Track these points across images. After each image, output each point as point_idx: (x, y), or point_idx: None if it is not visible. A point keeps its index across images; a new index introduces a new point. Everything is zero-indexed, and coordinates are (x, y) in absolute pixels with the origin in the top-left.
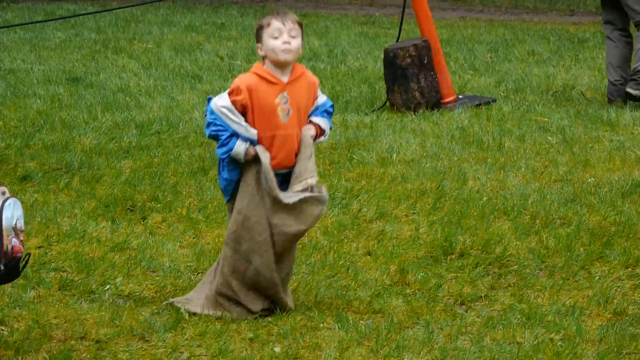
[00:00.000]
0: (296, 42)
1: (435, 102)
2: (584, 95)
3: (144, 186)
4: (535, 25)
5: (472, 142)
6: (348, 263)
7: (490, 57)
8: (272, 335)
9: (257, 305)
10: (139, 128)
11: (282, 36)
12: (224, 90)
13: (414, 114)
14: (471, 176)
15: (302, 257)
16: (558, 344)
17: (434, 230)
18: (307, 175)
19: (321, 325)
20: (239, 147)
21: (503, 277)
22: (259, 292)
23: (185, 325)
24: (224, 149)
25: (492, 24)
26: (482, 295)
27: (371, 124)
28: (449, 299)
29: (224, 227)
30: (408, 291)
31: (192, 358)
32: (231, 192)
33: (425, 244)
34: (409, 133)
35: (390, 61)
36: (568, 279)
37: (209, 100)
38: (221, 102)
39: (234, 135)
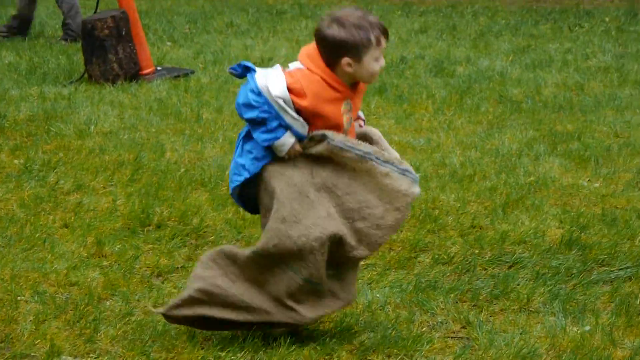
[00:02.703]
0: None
1: (133, 74)
2: None
3: None
4: None
5: (170, 114)
6: (45, 236)
7: (189, 29)
8: None
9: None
10: None
11: (381, 58)
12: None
13: (113, 86)
14: (169, 148)
15: None
16: None
17: (131, 202)
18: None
19: (18, 298)
20: (288, 139)
21: (200, 248)
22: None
23: None
24: (269, 136)
25: None
26: (179, 266)
27: (69, 96)
28: (146, 270)
29: None
30: (105, 263)
31: None
32: (239, 185)
33: (123, 215)
34: (107, 105)
35: (88, 32)
36: None
37: (248, 69)
38: (277, 91)
39: (283, 125)
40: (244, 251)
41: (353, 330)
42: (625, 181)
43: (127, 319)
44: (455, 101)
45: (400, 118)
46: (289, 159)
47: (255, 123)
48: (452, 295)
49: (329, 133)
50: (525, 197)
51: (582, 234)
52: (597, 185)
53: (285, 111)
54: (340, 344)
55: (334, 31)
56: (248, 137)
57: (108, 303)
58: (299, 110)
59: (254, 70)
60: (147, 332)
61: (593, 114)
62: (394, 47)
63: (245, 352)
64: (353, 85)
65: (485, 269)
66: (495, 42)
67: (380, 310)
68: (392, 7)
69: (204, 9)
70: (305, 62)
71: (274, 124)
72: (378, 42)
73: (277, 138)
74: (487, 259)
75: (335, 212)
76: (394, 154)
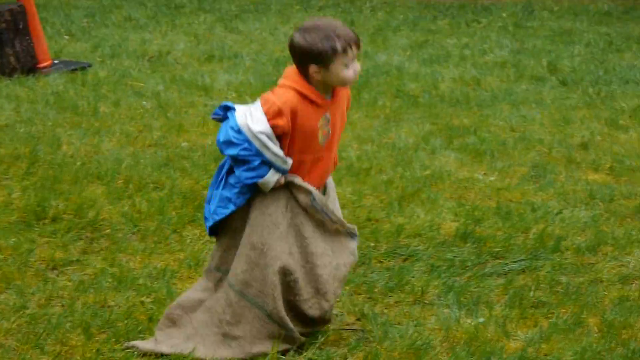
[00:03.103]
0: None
1: (31, 67)
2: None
3: None
4: None
5: (67, 107)
6: None
7: (87, 23)
8: None
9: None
10: None
11: (353, 64)
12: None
13: (9, 79)
14: (65, 141)
15: None
16: (149, 306)
17: (27, 196)
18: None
19: None
20: (272, 177)
21: (95, 241)
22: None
23: None
24: (252, 174)
25: None
26: (74, 259)
27: None
28: (41, 263)
29: None
30: (0, 256)
31: None
32: (220, 219)
33: (18, 209)
34: (3, 98)
35: None
36: (160, 243)
37: (228, 108)
38: (258, 127)
39: (266, 162)
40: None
41: None
42: (520, 175)
43: (22, 312)
44: (353, 96)
45: None
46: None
47: (237, 161)
48: (347, 287)
49: (314, 191)
50: (421, 190)
51: (477, 227)
52: (492, 178)
53: (267, 148)
54: None
55: (301, 40)
56: (232, 169)
57: (2, 296)
58: (280, 133)
59: (234, 109)
60: (41, 326)
61: (489, 108)
62: None
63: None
64: (332, 96)
65: (381, 262)
66: (393, 37)
67: None
68: (290, 1)
69: (103, 3)
70: (281, 81)
71: (257, 162)
72: (344, 50)
73: (261, 177)
74: (382, 251)
75: (297, 252)
76: (339, 211)
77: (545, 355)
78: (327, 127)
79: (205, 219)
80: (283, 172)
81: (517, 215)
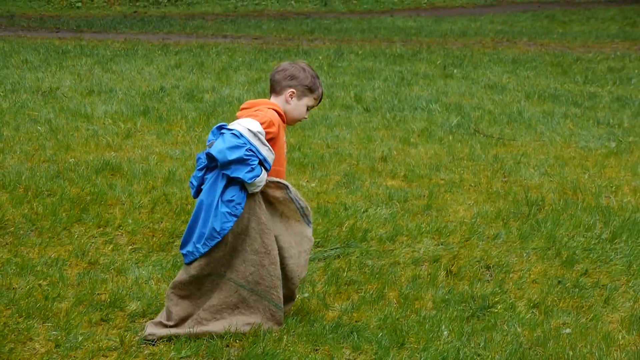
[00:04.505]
0: None
1: None
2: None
3: None
4: (28, 40)
5: None
6: None
7: None
8: None
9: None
10: None
11: (308, 111)
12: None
13: None
14: None
15: None
16: (45, 288)
17: None
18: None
19: None
20: (264, 176)
21: (1, 237)
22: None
23: None
24: (253, 174)
25: None
26: None
27: None
28: None
29: None
30: None
31: None
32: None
33: None
34: None
35: None
36: (53, 238)
37: (223, 127)
38: (255, 127)
39: (260, 161)
40: (226, 279)
41: (125, 300)
42: (334, 182)
43: None
44: (203, 121)
45: (161, 134)
46: (252, 196)
47: (240, 163)
48: None
49: (288, 184)
50: None
51: None
52: (313, 185)
53: (263, 144)
54: (114, 311)
55: (296, 68)
56: (223, 190)
57: None
58: (269, 139)
59: (226, 125)
60: None
61: (310, 130)
62: (155, 79)
63: (38, 319)
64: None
65: None
66: (234, 75)
67: (145, 284)
68: (153, 47)
69: (4, 49)
70: (255, 111)
71: (256, 161)
72: (317, 98)
73: (258, 175)
74: None
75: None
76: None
77: (356, 322)
78: (285, 146)
79: (209, 238)
80: (268, 169)
81: (333, 213)
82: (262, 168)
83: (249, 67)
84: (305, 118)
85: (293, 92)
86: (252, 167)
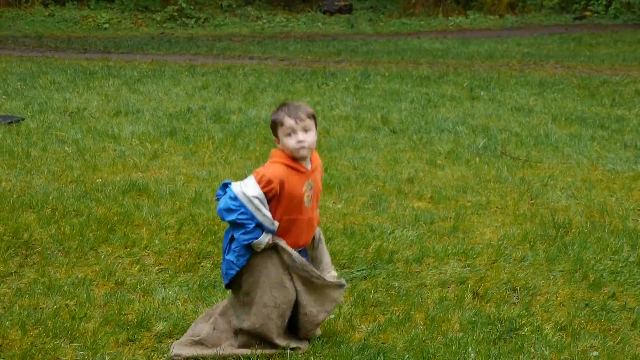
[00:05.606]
0: (311, 137)
1: None
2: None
3: None
4: (55, 61)
5: (4, 152)
6: None
7: (21, 85)
8: None
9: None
10: None
11: (295, 135)
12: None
13: None
14: (4, 178)
15: None
16: (72, 307)
17: None
18: (331, 268)
19: None
20: (264, 239)
21: (29, 257)
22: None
23: None
24: (249, 237)
25: (22, 59)
26: (12, 271)
27: None
28: None
29: None
30: None
31: None
32: (232, 277)
33: None
34: None
35: None
36: (80, 258)
37: (227, 184)
38: (252, 191)
39: (259, 225)
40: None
41: (151, 320)
42: (361, 203)
43: None
44: (230, 142)
45: (187, 155)
46: (264, 250)
47: (235, 225)
48: (227, 292)
49: (294, 253)
50: None
51: (329, 244)
52: (339, 206)
53: (259, 210)
54: (140, 331)
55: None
56: (233, 237)
57: None
58: (272, 196)
59: (230, 183)
60: None
61: (336, 151)
62: (182, 100)
63: (65, 339)
64: (312, 165)
65: None
66: (261, 96)
67: (172, 304)
68: (180, 68)
69: (32, 70)
70: (270, 159)
71: (252, 225)
72: (281, 123)
73: (255, 238)
74: None
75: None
76: (327, 258)
77: (383, 343)
78: (310, 191)
79: (223, 276)
80: (272, 232)
81: (360, 234)
82: (263, 232)
83: (276, 89)
84: (301, 141)
85: (275, 139)
86: (246, 231)
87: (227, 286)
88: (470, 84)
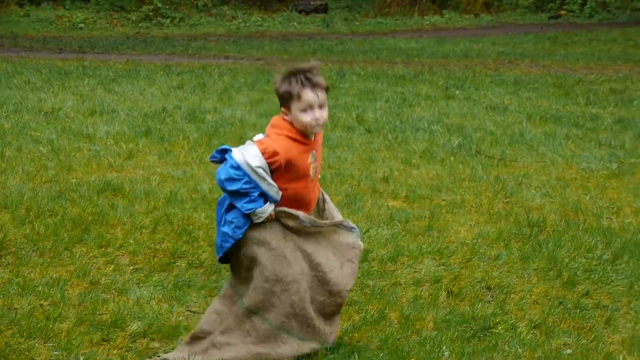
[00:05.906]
0: (326, 113)
1: None
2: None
3: None
4: (30, 61)
5: None
6: None
7: None
8: None
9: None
10: None
11: (312, 112)
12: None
13: None
14: None
15: None
16: (47, 308)
17: None
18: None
19: None
20: (267, 207)
21: (3, 257)
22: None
23: None
24: (252, 205)
25: None
26: None
27: None
28: None
29: None
30: None
31: None
32: (227, 249)
33: None
34: None
35: None
36: (55, 258)
37: (225, 151)
38: (255, 162)
39: (262, 194)
40: (236, 308)
41: (126, 320)
42: (336, 202)
43: None
44: (205, 141)
45: (162, 154)
46: (263, 222)
47: (238, 194)
48: (202, 291)
49: (300, 213)
50: None
51: None
52: None
53: (263, 179)
54: (115, 331)
55: (276, 83)
56: (229, 208)
57: None
58: (275, 168)
59: (231, 150)
60: None
61: None
62: (157, 99)
63: (40, 339)
64: (316, 137)
65: (228, 271)
66: (236, 96)
67: (147, 304)
68: (155, 68)
69: (7, 70)
70: (269, 131)
71: (255, 193)
72: (299, 96)
73: (259, 207)
74: None
75: (307, 267)
76: (337, 213)
77: (357, 342)
78: (315, 162)
79: (217, 249)
80: (275, 202)
81: None
82: (269, 202)
83: (251, 88)
84: (318, 118)
85: (284, 112)
86: (250, 199)
87: (221, 260)
88: (445, 83)
